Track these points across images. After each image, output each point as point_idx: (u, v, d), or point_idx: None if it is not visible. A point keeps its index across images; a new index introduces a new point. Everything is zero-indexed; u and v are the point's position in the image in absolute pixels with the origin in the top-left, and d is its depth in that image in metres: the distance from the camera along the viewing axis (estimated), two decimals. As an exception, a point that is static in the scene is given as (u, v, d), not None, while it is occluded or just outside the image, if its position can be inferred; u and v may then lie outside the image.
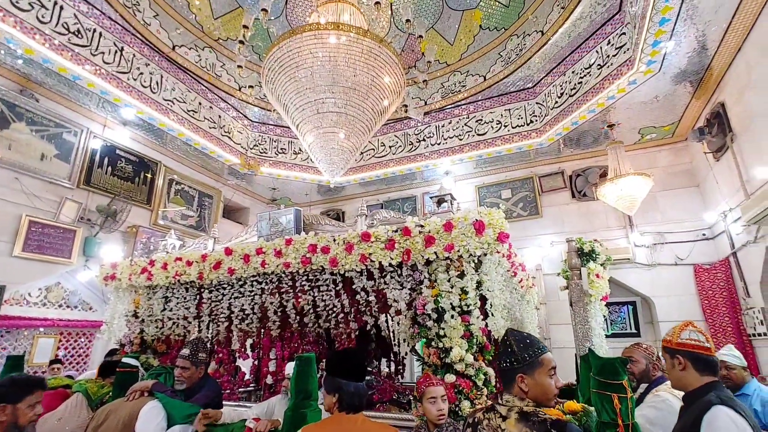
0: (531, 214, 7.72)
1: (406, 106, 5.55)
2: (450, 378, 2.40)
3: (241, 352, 3.31)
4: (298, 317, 2.99)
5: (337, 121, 4.29)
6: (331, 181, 4.57)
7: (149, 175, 6.97)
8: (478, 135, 7.58)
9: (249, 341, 3.58)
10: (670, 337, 1.89)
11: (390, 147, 8.26)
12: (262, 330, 3.21)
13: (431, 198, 3.04)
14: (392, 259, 2.62)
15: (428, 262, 2.58)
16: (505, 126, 7.42)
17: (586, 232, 7.23)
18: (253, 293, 3.13)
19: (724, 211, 5.88)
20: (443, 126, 7.91)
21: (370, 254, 2.69)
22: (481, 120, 7.62)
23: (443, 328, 2.38)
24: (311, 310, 2.90)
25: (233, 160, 7.65)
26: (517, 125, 7.33)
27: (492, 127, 7.51)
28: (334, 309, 2.82)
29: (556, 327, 7.06)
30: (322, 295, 2.87)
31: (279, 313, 3.07)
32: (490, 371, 2.53)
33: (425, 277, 2.55)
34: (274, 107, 4.82)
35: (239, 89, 7.39)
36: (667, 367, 1.88)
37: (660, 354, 2.38)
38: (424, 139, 7.99)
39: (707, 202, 6.47)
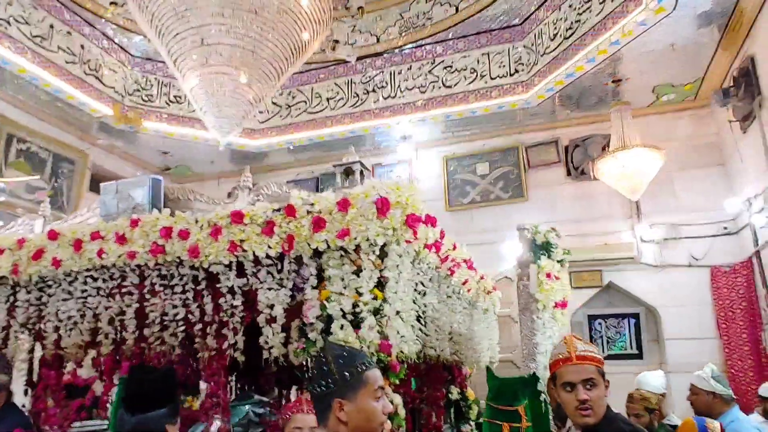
0: (514, 196, 7.92)
1: (336, 41, 5.53)
2: (337, 407, 2.47)
3: (74, 375, 3.27)
4: (137, 329, 2.98)
5: (230, 56, 4.23)
6: (222, 142, 4.49)
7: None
8: (446, 87, 7.65)
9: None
10: None
11: (328, 100, 8.22)
12: (105, 345, 3.18)
13: (335, 167, 3.06)
14: (270, 247, 2.64)
15: (318, 254, 2.62)
16: (483, 76, 7.52)
17: (581, 220, 7.49)
18: (87, 294, 3.09)
19: (748, 198, 6.22)
20: (400, 73, 7.92)
21: (242, 241, 2.70)
22: (451, 67, 7.68)
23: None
24: (157, 319, 2.89)
25: (103, 110, 7.41)
26: (498, 75, 7.43)
27: (465, 77, 7.59)
28: (191, 317, 2.83)
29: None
30: (177, 298, 2.87)
31: (118, 323, 3.04)
32: (397, 399, 2.61)
33: (311, 274, 2.59)
34: (147, 35, 4.69)
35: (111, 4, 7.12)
36: None
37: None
38: (374, 90, 8.00)
39: (732, 186, 6.82)
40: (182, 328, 2.86)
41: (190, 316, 2.89)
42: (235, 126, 4.40)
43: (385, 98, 7.92)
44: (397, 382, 2.64)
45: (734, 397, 3.11)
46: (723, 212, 6.80)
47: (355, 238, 2.51)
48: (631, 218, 7.31)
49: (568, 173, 7.76)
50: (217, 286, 2.80)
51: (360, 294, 2.45)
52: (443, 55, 7.73)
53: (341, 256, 2.57)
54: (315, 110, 8.25)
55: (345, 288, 2.49)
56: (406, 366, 2.69)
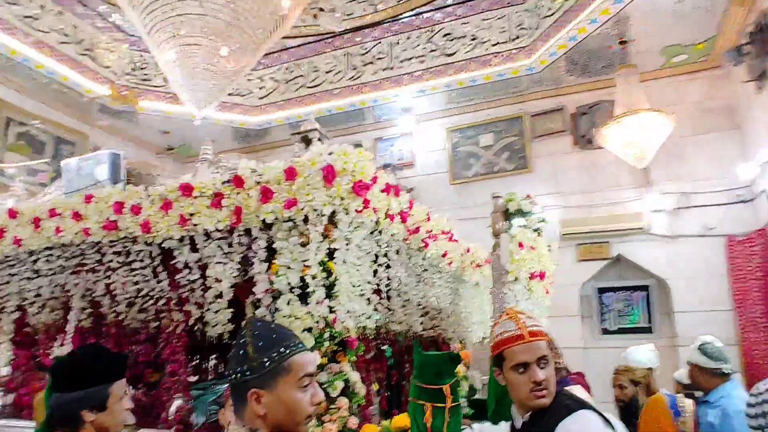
0: (518, 168, 7.68)
1: (321, 9, 5.33)
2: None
3: (43, 355, 3.25)
4: (101, 307, 2.93)
5: (202, 26, 4.09)
6: (197, 116, 4.39)
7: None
8: (446, 56, 7.39)
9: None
10: None
11: (327, 73, 8.04)
12: (70, 324, 3.14)
13: (291, 135, 2.92)
14: (219, 221, 2.54)
15: (268, 226, 2.51)
16: (483, 43, 7.24)
17: (589, 191, 7.25)
18: (52, 272, 3.05)
19: (763, 163, 5.89)
20: (398, 43, 7.69)
21: (191, 215, 2.60)
22: (450, 35, 7.41)
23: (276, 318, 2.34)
24: (119, 297, 2.83)
25: (98, 90, 7.37)
26: (499, 42, 7.15)
27: (465, 44, 7.33)
28: (151, 294, 2.76)
29: (544, 320, 7.15)
30: (136, 275, 2.80)
31: (87, 300, 3.00)
32: (355, 376, 2.51)
33: (260, 247, 2.48)
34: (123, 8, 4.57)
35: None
36: None
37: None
38: (372, 62, 7.79)
39: (747, 152, 6.47)
40: (143, 305, 2.79)
41: (149, 293, 2.81)
42: (211, 99, 4.29)
43: (383, 70, 7.71)
44: (354, 359, 2.53)
45: (726, 371, 2.90)
46: (737, 179, 6.47)
47: (303, 209, 2.38)
48: (640, 187, 7.02)
49: (575, 142, 7.47)
50: (172, 262, 2.71)
51: (308, 267, 2.32)
52: (442, 23, 7.47)
53: (290, 228, 2.44)
54: (313, 84, 8.08)
55: (294, 261, 2.37)
56: (371, 342, 2.58)
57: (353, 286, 2.39)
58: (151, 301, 2.80)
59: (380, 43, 7.79)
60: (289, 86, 8.22)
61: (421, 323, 3.38)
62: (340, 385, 2.49)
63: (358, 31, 7.87)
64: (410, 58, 7.60)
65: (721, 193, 6.60)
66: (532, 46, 6.92)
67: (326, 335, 2.41)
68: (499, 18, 7.20)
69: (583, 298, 7.26)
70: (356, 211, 2.38)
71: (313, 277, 2.31)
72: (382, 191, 2.67)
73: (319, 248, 2.35)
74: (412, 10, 7.55)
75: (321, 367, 2.49)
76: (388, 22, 7.72)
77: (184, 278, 2.65)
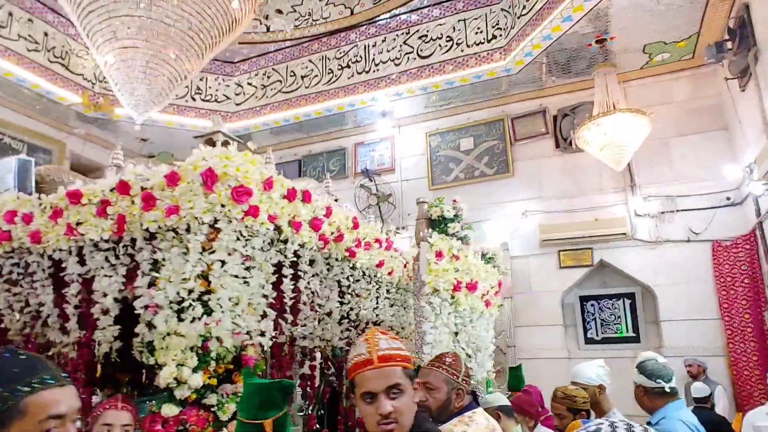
0: (499, 172, 7.44)
1: (279, 12, 5.17)
2: (170, 410, 2.19)
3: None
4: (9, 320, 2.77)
5: (139, 29, 3.95)
6: (137, 121, 4.24)
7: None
8: (421, 58, 7.20)
9: None
10: None
11: (303, 78, 7.88)
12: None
13: (194, 138, 2.75)
14: (104, 230, 2.36)
15: (153, 236, 2.32)
16: (459, 44, 7.04)
17: (571, 196, 6.99)
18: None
19: (749, 164, 5.60)
20: (375, 45, 7.52)
21: (78, 224, 2.43)
22: (426, 36, 7.22)
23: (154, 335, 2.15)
24: (15, 309, 2.67)
25: (71, 98, 7.29)
26: (475, 42, 6.94)
27: (440, 45, 7.13)
28: (40, 309, 2.59)
29: (526, 330, 6.91)
30: (30, 288, 2.64)
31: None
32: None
33: (143, 259, 2.30)
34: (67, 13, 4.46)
35: (74, -6, 6.95)
36: None
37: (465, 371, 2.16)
38: (348, 65, 7.61)
39: (734, 153, 6.18)
40: (45, 320, 2.63)
41: (42, 308, 2.65)
42: (151, 104, 4.13)
43: (359, 73, 7.53)
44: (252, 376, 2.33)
45: (669, 390, 2.65)
46: (724, 181, 6.18)
47: (185, 217, 2.19)
48: (623, 191, 6.75)
49: (557, 145, 7.22)
50: (61, 274, 2.54)
51: (185, 280, 2.13)
52: (418, 24, 7.28)
53: (173, 237, 2.26)
54: (290, 89, 7.93)
55: (173, 273, 2.18)
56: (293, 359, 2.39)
57: (237, 302, 2.19)
58: (52, 316, 2.63)
59: (356, 46, 7.63)
60: (266, 91, 8.08)
61: (346, 338, 3.16)
62: (231, 407, 2.31)
63: (334, 35, 7.74)
64: (386, 61, 7.41)
65: (708, 197, 6.31)
66: (508, 47, 6.70)
67: (212, 354, 2.22)
68: (475, 18, 7.00)
69: (566, 306, 6.98)
70: (238, 219, 2.18)
71: (190, 292, 2.12)
72: (285, 197, 2.49)
73: (200, 260, 2.16)
74: (388, 11, 7.40)
75: (212, 389, 2.31)
76: (365, 24, 7.57)
77: (71, 292, 2.48)
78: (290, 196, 2.48)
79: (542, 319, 6.91)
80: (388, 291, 3.54)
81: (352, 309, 3.13)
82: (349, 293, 3.09)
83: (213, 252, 2.16)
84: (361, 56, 7.58)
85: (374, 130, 8.21)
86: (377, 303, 3.36)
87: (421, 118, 7.97)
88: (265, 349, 2.36)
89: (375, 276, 3.38)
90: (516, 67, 6.70)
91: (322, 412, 3.71)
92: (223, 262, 2.17)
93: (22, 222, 2.59)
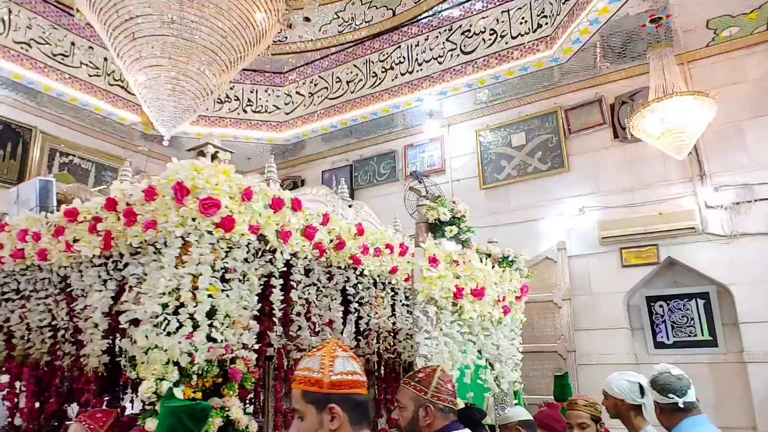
0: (553, 167, 7.05)
1: (307, 20, 5.16)
2: (153, 424, 2.18)
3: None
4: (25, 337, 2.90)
5: (162, 47, 4.06)
6: (166, 137, 4.37)
7: (20, 146, 7.22)
8: (464, 54, 6.97)
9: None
10: None
11: (348, 83, 7.88)
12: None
13: (187, 151, 2.75)
14: (94, 246, 2.41)
15: (137, 251, 2.34)
16: (503, 36, 6.75)
17: (633, 189, 6.49)
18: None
19: (835, 144, 4.93)
20: (417, 45, 7.38)
21: (75, 241, 2.50)
22: (469, 31, 6.99)
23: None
24: (27, 327, 2.79)
25: (131, 118, 7.70)
26: (520, 33, 6.63)
27: (484, 40, 6.87)
28: (52, 325, 2.69)
29: (586, 334, 6.48)
30: (42, 304, 2.75)
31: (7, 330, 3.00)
32: (237, 412, 2.28)
33: (129, 274, 2.32)
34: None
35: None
36: None
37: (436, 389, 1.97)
38: (391, 67, 7.53)
39: (820, 132, 5.48)
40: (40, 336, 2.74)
41: (54, 323, 2.75)
42: (179, 120, 4.24)
43: (402, 74, 7.42)
44: (235, 392, 2.29)
45: (683, 405, 2.31)
46: (809, 165, 5.50)
47: (161, 231, 2.19)
48: (691, 181, 6.17)
49: (615, 135, 6.72)
50: (68, 290, 2.63)
51: (162, 294, 2.12)
52: (460, 20, 7.07)
53: (154, 252, 2.26)
54: (336, 95, 7.96)
55: (152, 288, 2.18)
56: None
57: (214, 315, 2.15)
58: (49, 333, 2.73)
59: (399, 47, 7.52)
60: (313, 99, 8.15)
61: (353, 348, 3.05)
62: (218, 422, 2.27)
63: (377, 37, 7.68)
64: (429, 60, 7.25)
65: (790, 183, 5.63)
66: (555, 35, 6.33)
67: (194, 368, 2.19)
68: (519, 8, 6.68)
69: (632, 308, 6.48)
70: (208, 232, 2.14)
71: (164, 306, 2.10)
72: (271, 206, 2.43)
73: (175, 274, 2.14)
74: (430, 8, 7.24)
75: (198, 403, 2.28)
76: (407, 24, 7.46)
77: (73, 308, 2.56)
78: (276, 205, 2.42)
79: (605, 322, 6.45)
80: (407, 297, 3.40)
81: (361, 318, 3.03)
82: (356, 302, 2.99)
83: (184, 265, 2.13)
84: (404, 57, 7.47)
85: (423, 131, 8.05)
86: (393, 311, 3.23)
87: (470, 116, 7.73)
88: (251, 362, 2.30)
89: (390, 283, 3.25)
90: (565, 55, 6.32)
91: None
92: (197, 276, 2.13)
93: (33, 240, 2.70)
